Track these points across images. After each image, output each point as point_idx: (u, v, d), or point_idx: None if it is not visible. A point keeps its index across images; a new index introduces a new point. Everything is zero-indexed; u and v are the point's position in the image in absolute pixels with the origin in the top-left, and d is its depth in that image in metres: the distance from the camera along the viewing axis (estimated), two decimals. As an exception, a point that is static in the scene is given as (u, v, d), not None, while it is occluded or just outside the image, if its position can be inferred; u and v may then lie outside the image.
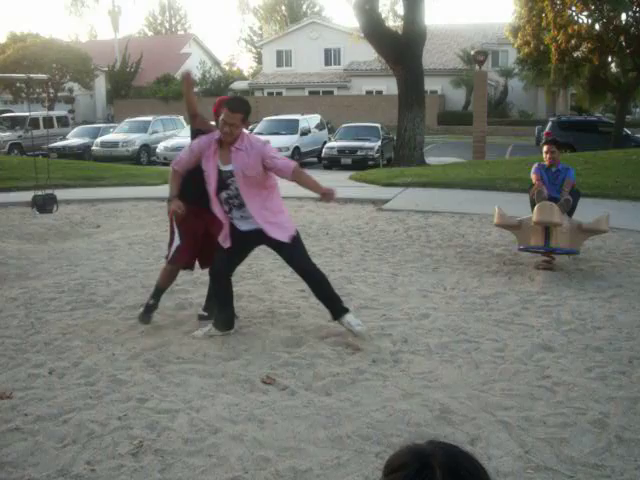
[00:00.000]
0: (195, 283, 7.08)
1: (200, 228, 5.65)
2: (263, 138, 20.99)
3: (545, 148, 8.09)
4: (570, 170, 8.05)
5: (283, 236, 5.28)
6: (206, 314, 5.93)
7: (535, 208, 7.50)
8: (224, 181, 5.23)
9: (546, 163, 8.03)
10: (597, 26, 26.09)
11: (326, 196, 5.20)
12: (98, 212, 12.24)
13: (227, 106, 5.11)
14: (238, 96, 6.13)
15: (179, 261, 5.77)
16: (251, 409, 4.27)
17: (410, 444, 1.37)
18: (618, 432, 3.93)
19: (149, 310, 5.83)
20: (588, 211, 8.89)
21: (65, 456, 3.72)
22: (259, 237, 5.34)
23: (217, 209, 5.33)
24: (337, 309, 5.49)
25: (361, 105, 41.34)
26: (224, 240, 5.36)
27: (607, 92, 29.94)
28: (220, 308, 5.59)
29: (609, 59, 27.97)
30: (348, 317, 5.46)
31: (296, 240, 5.36)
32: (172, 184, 5.40)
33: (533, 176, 8.02)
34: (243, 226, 5.33)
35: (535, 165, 8.16)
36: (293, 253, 5.39)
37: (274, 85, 49.55)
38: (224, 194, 5.27)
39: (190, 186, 5.38)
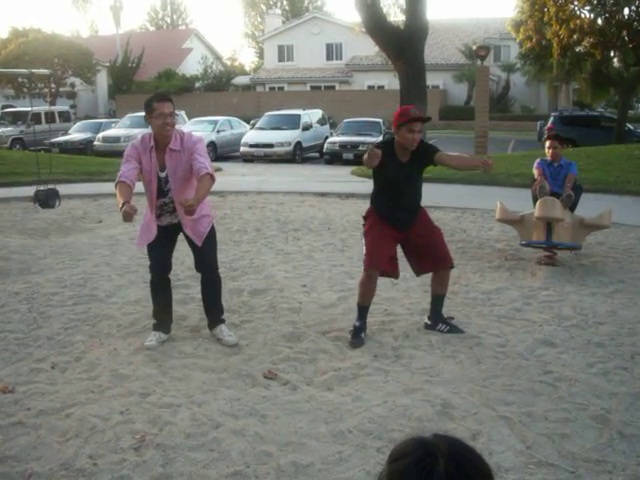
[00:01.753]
0: (197, 278, 7.07)
1: (392, 234, 5.40)
2: (265, 133, 20.82)
3: (547, 143, 8.07)
4: (572, 165, 8.03)
5: (198, 240, 5.25)
6: (430, 323, 5.71)
7: (537, 203, 7.49)
8: (162, 188, 5.15)
9: (548, 158, 8.01)
10: (599, 20, 26.00)
11: (184, 206, 4.80)
12: (100, 207, 12.25)
13: (161, 98, 5.05)
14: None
15: (367, 264, 5.43)
16: (253, 404, 4.28)
17: (415, 435, 1.38)
18: (620, 428, 3.93)
19: (357, 333, 5.44)
20: (590, 206, 8.88)
21: (67, 450, 3.73)
22: (176, 228, 5.31)
23: (149, 214, 5.26)
24: (218, 319, 5.49)
25: (363, 100, 41.23)
26: (143, 244, 5.34)
27: (609, 87, 29.91)
28: (155, 309, 5.54)
29: (611, 54, 27.89)
30: (223, 326, 5.47)
31: (209, 240, 5.34)
32: (119, 195, 4.93)
33: (535, 171, 8.00)
34: (164, 222, 5.28)
35: (537, 160, 8.14)
36: (205, 253, 5.34)
37: (276, 80, 49.47)
38: (161, 200, 5.19)
39: (383, 197, 5.37)
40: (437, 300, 5.72)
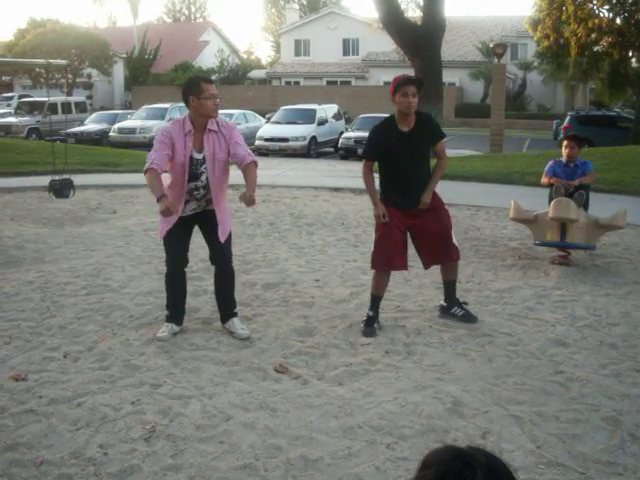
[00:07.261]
0: (210, 270, 7.08)
1: (396, 228, 5.50)
2: (280, 127, 20.92)
3: (565, 143, 8.02)
4: (588, 163, 7.98)
5: (222, 236, 5.22)
6: (446, 304, 5.87)
7: (552, 203, 7.45)
8: (196, 170, 5.06)
9: (564, 159, 7.96)
10: (618, 20, 25.82)
11: (246, 200, 4.86)
12: (114, 198, 12.28)
13: (206, 80, 5.08)
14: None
15: (375, 266, 5.60)
16: (263, 397, 4.29)
17: (449, 444, 1.37)
18: (631, 430, 3.91)
19: (370, 322, 5.53)
20: (605, 207, 8.82)
21: (78, 439, 3.76)
22: (196, 219, 5.29)
23: (176, 202, 5.09)
24: (231, 313, 5.49)
25: (378, 96, 40.98)
26: (164, 233, 5.25)
27: (627, 87, 29.68)
28: (169, 302, 5.51)
29: (630, 54, 27.67)
30: (235, 319, 5.47)
31: (229, 236, 5.35)
32: (154, 185, 4.93)
33: (545, 179, 7.96)
34: (187, 211, 5.23)
35: (551, 162, 8.10)
36: (223, 247, 5.31)
37: (292, 74, 49.46)
38: (192, 184, 5.10)
39: (389, 175, 5.46)
40: (450, 285, 5.88)
